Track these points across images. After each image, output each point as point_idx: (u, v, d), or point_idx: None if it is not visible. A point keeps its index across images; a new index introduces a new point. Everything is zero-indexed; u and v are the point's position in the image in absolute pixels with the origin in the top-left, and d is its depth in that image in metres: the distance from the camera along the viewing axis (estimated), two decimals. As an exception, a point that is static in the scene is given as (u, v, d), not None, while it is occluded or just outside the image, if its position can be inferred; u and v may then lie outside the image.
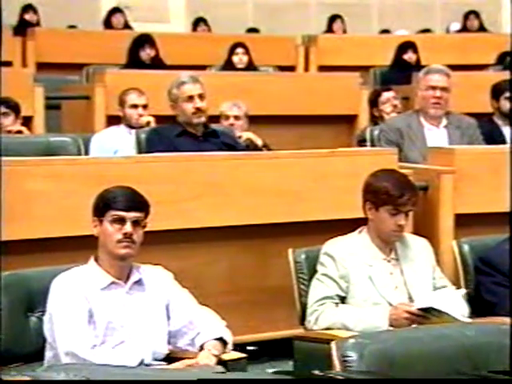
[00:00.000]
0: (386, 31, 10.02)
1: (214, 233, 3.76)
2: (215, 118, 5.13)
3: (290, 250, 3.57)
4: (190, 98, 4.53)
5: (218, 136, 4.60)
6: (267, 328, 3.79)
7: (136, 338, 2.98)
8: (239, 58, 7.39)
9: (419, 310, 3.29)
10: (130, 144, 4.77)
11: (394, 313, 3.32)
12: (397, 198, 3.37)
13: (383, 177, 3.46)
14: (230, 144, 4.55)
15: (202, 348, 3.00)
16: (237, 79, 6.27)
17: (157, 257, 3.31)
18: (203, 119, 4.56)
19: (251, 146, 5.07)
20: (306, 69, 8.20)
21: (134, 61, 7.01)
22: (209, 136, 4.59)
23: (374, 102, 5.97)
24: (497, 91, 5.74)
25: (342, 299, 3.44)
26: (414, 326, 3.27)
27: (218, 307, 3.20)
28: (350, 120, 6.49)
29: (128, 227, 2.97)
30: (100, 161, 3.72)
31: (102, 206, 3.02)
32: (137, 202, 3.02)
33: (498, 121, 5.74)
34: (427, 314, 3.28)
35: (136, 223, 2.99)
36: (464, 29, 9.77)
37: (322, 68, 8.06)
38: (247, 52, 7.42)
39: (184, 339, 3.07)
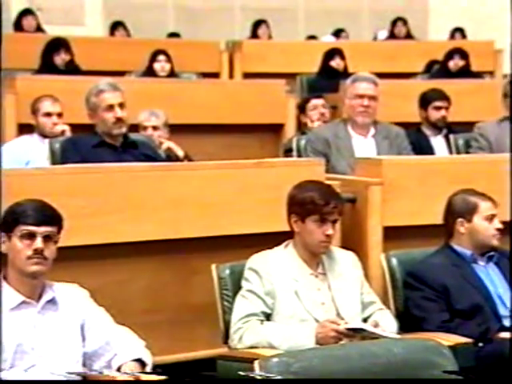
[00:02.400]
0: (312, 37, 10.00)
1: (132, 248, 3.63)
2: (135, 128, 5.00)
3: (214, 266, 3.50)
4: (110, 107, 4.37)
5: (138, 147, 4.46)
6: (189, 348, 3.69)
7: (48, 360, 2.87)
8: (161, 66, 7.28)
9: (348, 329, 3.20)
10: (44, 154, 4.60)
11: (321, 331, 3.26)
12: (323, 207, 3.35)
13: (307, 187, 3.43)
14: (149, 155, 4.41)
15: (119, 370, 2.90)
16: (158, 86, 6.15)
17: (72, 274, 3.20)
18: (124, 130, 4.41)
19: (172, 157, 4.94)
20: (231, 76, 8.12)
21: (47, 66, 6.83)
22: (128, 147, 4.45)
23: (302, 108, 5.95)
24: (425, 100, 5.76)
25: (268, 316, 3.37)
26: (341, 342, 3.22)
27: (137, 327, 3.09)
28: (276, 129, 6.43)
29: (39, 243, 2.87)
30: (10, 172, 3.50)
31: (11, 220, 2.91)
32: (48, 216, 2.92)
33: (427, 130, 5.76)
34: (356, 334, 3.19)
35: (47, 238, 2.90)
36: (391, 36, 9.80)
37: (247, 75, 8.00)
38: (169, 59, 7.31)
39: (100, 361, 2.97)
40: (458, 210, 3.75)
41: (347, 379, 2.52)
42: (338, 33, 10.01)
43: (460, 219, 3.74)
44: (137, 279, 3.67)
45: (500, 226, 3.70)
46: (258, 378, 2.43)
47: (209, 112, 6.07)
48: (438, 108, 5.71)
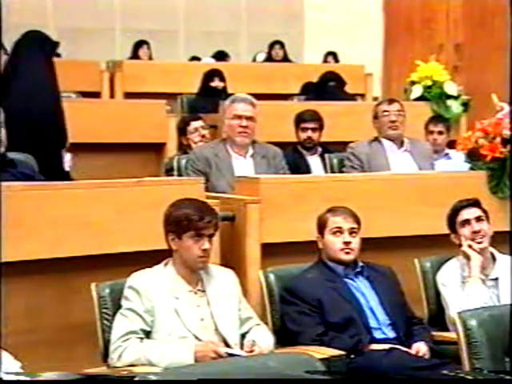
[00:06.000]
0: (195, 58, 10.08)
1: (10, 268, 3.53)
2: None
3: (93, 285, 3.49)
4: (-13, 128, 4.27)
5: (16, 166, 4.38)
6: (68, 367, 3.60)
7: None
8: (39, 85, 7.15)
9: (228, 354, 3.27)
10: None
11: (201, 350, 3.30)
12: (197, 222, 3.40)
13: (181, 205, 3.48)
14: (28, 174, 4.34)
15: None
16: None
17: None
18: (2, 150, 4.32)
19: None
20: (112, 95, 8.08)
21: None
22: (6, 166, 4.35)
23: (182, 130, 5.96)
24: (297, 121, 5.89)
25: (148, 334, 3.39)
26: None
27: (14, 348, 3.06)
28: (157, 148, 6.44)
29: None
30: None
31: None
32: None
33: (303, 150, 5.88)
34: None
35: None
36: (269, 58, 10.00)
37: (128, 95, 7.97)
38: (48, 78, 7.20)
39: (-26, 384, 2.88)
40: (317, 227, 3.88)
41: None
42: (220, 55, 10.11)
43: (317, 235, 3.87)
44: (14, 299, 3.58)
45: (347, 239, 3.79)
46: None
47: (89, 131, 6.01)
48: (305, 129, 5.86)
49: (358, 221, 3.87)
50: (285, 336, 3.72)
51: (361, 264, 3.88)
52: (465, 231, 4.02)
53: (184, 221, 3.41)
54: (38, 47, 4.88)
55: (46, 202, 3.69)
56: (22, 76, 4.66)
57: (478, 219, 4.04)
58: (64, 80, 7.42)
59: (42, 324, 3.66)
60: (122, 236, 3.81)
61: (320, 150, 5.89)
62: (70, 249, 3.69)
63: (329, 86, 7.57)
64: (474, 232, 4.00)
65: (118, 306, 3.41)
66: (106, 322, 3.44)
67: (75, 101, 7.05)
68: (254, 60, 10.43)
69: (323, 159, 5.77)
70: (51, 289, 3.70)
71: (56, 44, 5.32)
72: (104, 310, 3.46)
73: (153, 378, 2.60)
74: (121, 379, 2.86)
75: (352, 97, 8.01)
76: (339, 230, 3.82)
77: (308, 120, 5.83)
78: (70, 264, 3.71)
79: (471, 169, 4.71)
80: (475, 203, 4.06)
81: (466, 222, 4.03)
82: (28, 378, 2.64)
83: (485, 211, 4.09)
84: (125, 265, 3.65)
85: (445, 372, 3.14)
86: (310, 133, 5.83)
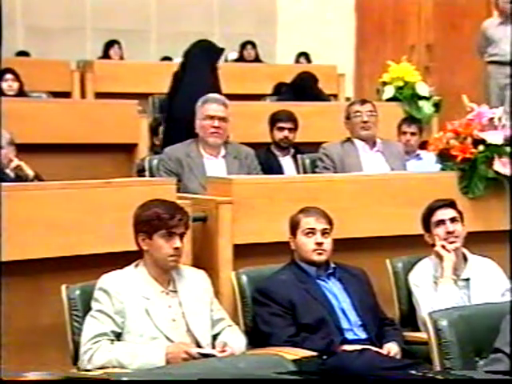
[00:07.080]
0: (167, 58, 10.03)
1: (-22, 270, 3.53)
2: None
3: (63, 286, 3.47)
4: (-46, 129, 4.24)
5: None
6: (38, 370, 3.58)
7: None
8: (8, 85, 7.14)
9: (200, 354, 3.25)
10: None
11: (172, 351, 3.29)
12: (168, 221, 3.39)
13: (151, 205, 3.47)
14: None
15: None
16: (5, 105, 5.98)
17: None
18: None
19: (22, 177, 4.85)
20: (83, 95, 8.03)
21: None
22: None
23: (155, 130, 5.94)
24: (272, 121, 5.89)
25: (118, 335, 3.37)
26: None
27: (-17, 350, 3.00)
28: (129, 149, 6.41)
29: None
30: None
31: None
32: None
33: (276, 151, 5.89)
34: (208, 357, 3.24)
35: None
36: (241, 58, 9.99)
37: (99, 95, 7.93)
38: (17, 78, 7.17)
39: None
40: (290, 228, 3.87)
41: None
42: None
43: (290, 236, 3.87)
44: (-18, 301, 3.58)
45: (320, 240, 3.79)
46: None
47: (60, 131, 5.98)
48: (281, 129, 5.87)
49: (330, 221, 3.88)
50: (257, 337, 3.72)
51: (333, 265, 3.89)
52: (439, 231, 4.04)
53: (155, 220, 3.40)
54: (205, 54, 5.27)
55: (16, 203, 3.66)
56: (190, 80, 5.03)
57: (453, 220, 4.05)
58: (34, 80, 7.44)
59: (10, 326, 3.61)
60: (92, 237, 3.79)
61: (293, 150, 5.90)
62: (39, 250, 3.67)
63: (303, 83, 7.58)
64: (448, 232, 4.02)
65: (88, 308, 3.40)
66: (76, 324, 3.42)
67: (46, 101, 7.02)
68: (226, 60, 10.41)
69: (295, 160, 5.77)
70: (21, 291, 3.67)
71: (221, 51, 5.76)
72: (74, 312, 3.44)
73: (124, 378, 2.59)
74: (96, 380, 2.84)
75: (326, 96, 8.01)
76: (312, 231, 3.82)
77: (285, 120, 5.84)
78: (40, 266, 3.69)
79: (442, 169, 4.73)
80: (451, 204, 4.09)
81: (441, 222, 4.05)
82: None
83: (460, 212, 4.11)
84: (95, 266, 3.64)
85: (413, 372, 3.14)
86: (286, 132, 5.84)
